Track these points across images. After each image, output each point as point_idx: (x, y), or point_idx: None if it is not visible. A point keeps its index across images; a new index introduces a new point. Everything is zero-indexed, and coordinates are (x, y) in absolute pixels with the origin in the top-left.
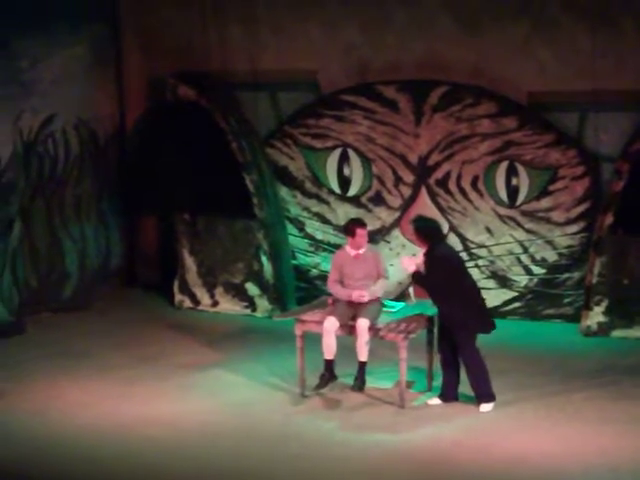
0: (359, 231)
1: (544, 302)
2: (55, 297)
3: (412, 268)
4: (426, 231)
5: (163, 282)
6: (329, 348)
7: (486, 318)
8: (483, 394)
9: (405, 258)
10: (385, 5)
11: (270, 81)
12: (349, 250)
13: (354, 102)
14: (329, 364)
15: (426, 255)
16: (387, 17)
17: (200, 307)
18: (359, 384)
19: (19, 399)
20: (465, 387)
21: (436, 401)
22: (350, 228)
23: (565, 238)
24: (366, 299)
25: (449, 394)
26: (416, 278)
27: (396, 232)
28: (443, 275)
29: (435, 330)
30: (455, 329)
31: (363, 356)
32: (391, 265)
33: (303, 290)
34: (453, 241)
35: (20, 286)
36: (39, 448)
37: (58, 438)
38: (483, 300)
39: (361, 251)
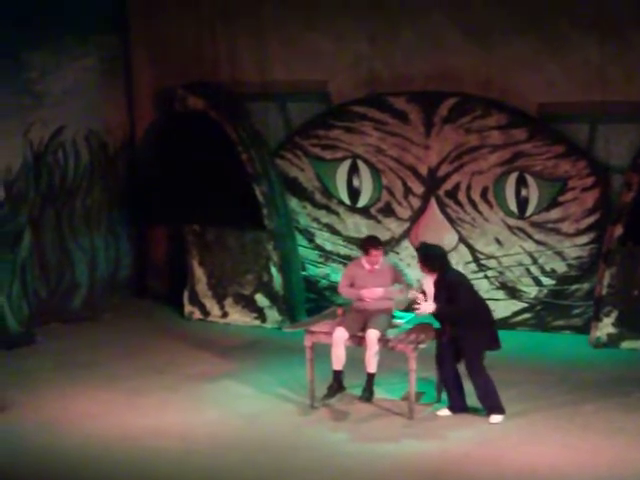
0: (374, 252)
1: (553, 313)
2: (64, 308)
3: (432, 309)
4: (434, 259)
5: (173, 293)
6: (338, 359)
7: (495, 335)
8: (493, 408)
9: (422, 304)
10: (394, 17)
11: (280, 92)
12: (364, 263)
13: (364, 113)
14: (338, 375)
15: (438, 283)
16: (397, 29)
17: (210, 318)
18: (367, 395)
19: (28, 409)
20: (473, 399)
21: (445, 412)
22: (365, 247)
23: (575, 249)
24: (379, 294)
25: (458, 405)
26: (440, 316)
27: (405, 243)
28: (464, 300)
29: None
30: (467, 348)
31: (372, 367)
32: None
33: (313, 301)
34: (462, 252)
35: (29, 296)
36: (47, 458)
37: (66, 448)
38: (492, 317)
39: (377, 266)
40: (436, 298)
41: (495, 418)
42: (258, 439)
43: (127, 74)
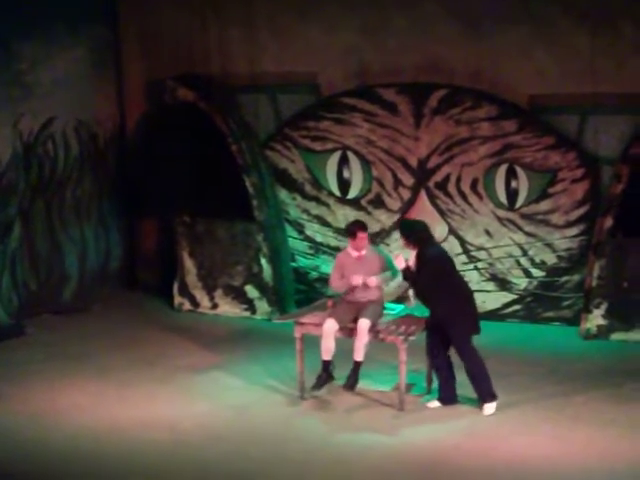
0: (360, 234)
1: (543, 305)
2: (54, 299)
3: (402, 265)
4: (412, 234)
5: (163, 284)
6: (327, 350)
7: (477, 319)
8: (485, 393)
9: (399, 256)
10: (385, 8)
11: (270, 83)
12: (351, 252)
13: (354, 105)
14: (326, 365)
15: (417, 257)
16: (387, 20)
17: (200, 309)
18: (351, 383)
19: (17, 401)
20: (464, 390)
21: (436, 404)
22: (351, 230)
23: (564, 241)
24: (372, 283)
25: (448, 396)
26: (405, 275)
27: (396, 235)
28: (432, 276)
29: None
30: (451, 329)
31: (359, 356)
32: None
33: (302, 292)
34: (453, 243)
35: (19, 288)
36: (37, 450)
37: (55, 440)
38: (474, 301)
39: (363, 252)
40: (417, 272)
41: (488, 408)
42: (248, 430)
43: (117, 65)
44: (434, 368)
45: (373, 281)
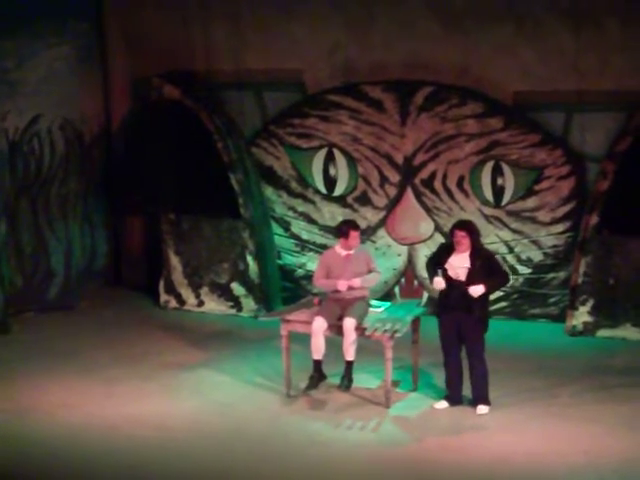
0: (353, 233)
1: (530, 302)
2: (40, 297)
3: (481, 290)
4: (476, 233)
5: (148, 282)
6: (318, 349)
7: None
8: (484, 396)
9: (471, 287)
10: (370, 5)
11: (255, 81)
12: (339, 250)
13: (340, 102)
14: (318, 364)
15: (473, 257)
16: (372, 17)
17: (185, 307)
18: (346, 383)
19: (3, 399)
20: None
21: (444, 404)
22: (344, 229)
23: (551, 238)
24: (357, 285)
25: (457, 397)
26: (490, 292)
27: (382, 232)
28: (490, 272)
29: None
30: (480, 329)
31: (350, 355)
32: None
33: (289, 290)
34: (439, 241)
35: (5, 285)
36: (24, 449)
37: (43, 438)
38: None
39: (352, 251)
40: (471, 274)
41: (482, 409)
42: (234, 428)
43: (102, 63)
44: (447, 368)
45: (357, 283)
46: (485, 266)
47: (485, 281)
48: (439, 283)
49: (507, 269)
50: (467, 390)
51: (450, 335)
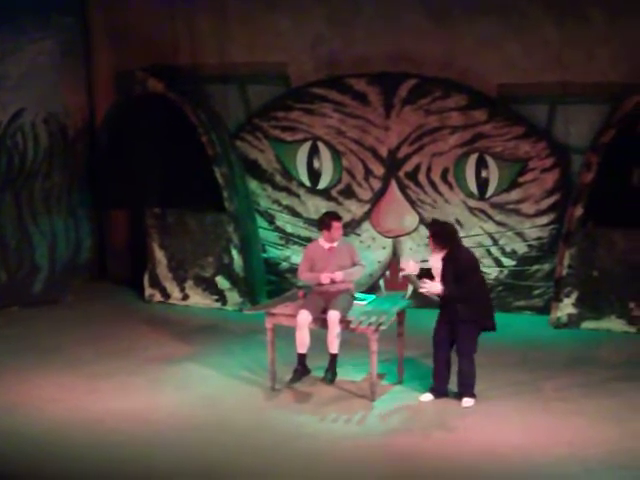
0: (335, 224)
1: (514, 294)
2: (25, 291)
3: (438, 289)
4: (444, 235)
5: (133, 276)
6: (302, 342)
7: (493, 316)
8: (470, 390)
9: (428, 283)
10: None
11: (239, 74)
12: (323, 243)
13: (324, 95)
14: (302, 358)
15: (446, 260)
16: (356, 9)
17: (170, 301)
18: (330, 376)
19: None
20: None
21: (429, 397)
22: (326, 221)
23: (535, 230)
24: (339, 278)
25: (442, 389)
26: (446, 296)
27: (366, 225)
28: (471, 277)
29: (435, 326)
30: (469, 327)
31: (334, 348)
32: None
33: (273, 283)
34: (424, 234)
35: None
36: (8, 444)
37: (28, 433)
38: (491, 300)
39: (335, 244)
40: (443, 277)
41: (467, 402)
42: (220, 421)
43: (86, 56)
44: (436, 361)
45: (339, 276)
46: (452, 271)
47: (448, 286)
48: (406, 266)
49: (491, 261)
50: (453, 383)
51: (442, 331)
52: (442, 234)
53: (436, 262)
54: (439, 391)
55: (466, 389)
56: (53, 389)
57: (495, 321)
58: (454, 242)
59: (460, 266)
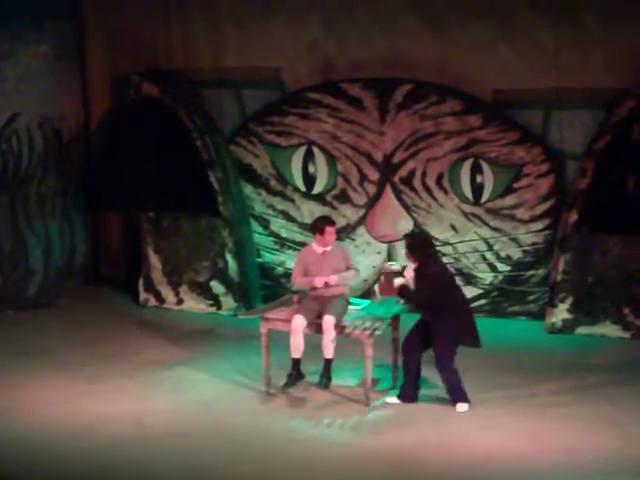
0: (328, 229)
1: (509, 299)
2: (19, 295)
3: (399, 282)
4: (417, 247)
5: (128, 280)
6: (297, 347)
7: (475, 333)
8: (458, 397)
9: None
10: (348, 2)
11: (234, 79)
12: (316, 247)
13: (319, 100)
14: (296, 363)
15: (416, 271)
16: (351, 14)
17: (165, 305)
18: (325, 381)
19: None
20: (429, 388)
21: (394, 400)
22: (319, 226)
23: (530, 235)
24: (334, 281)
25: (408, 395)
26: (403, 295)
27: (361, 230)
28: (431, 292)
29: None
30: (439, 339)
31: (329, 353)
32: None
33: (268, 288)
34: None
35: None
36: (2, 446)
37: (21, 436)
38: (472, 315)
39: (328, 248)
40: (418, 287)
41: (461, 407)
42: (214, 426)
43: (81, 61)
44: (404, 367)
45: (333, 280)
46: (422, 283)
47: (416, 297)
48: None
49: (486, 266)
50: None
51: (413, 337)
52: (415, 245)
53: (410, 273)
54: (404, 397)
55: (456, 396)
56: (46, 392)
57: (478, 338)
58: (426, 254)
59: (428, 279)
